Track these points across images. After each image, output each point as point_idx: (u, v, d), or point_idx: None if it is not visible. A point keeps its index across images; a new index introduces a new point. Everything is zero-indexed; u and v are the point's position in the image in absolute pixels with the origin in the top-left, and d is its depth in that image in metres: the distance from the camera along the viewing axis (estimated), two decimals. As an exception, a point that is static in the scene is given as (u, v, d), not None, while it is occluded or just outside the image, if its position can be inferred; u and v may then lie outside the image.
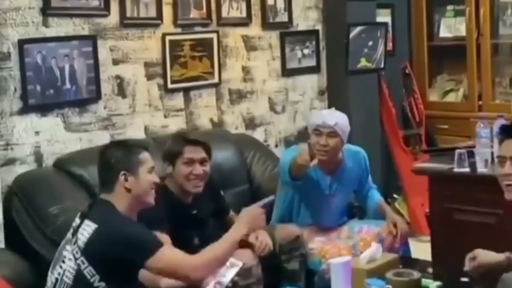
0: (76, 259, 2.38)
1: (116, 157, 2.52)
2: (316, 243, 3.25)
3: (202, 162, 3.00)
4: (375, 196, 3.57)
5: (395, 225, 3.31)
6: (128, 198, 2.49)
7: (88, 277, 2.36)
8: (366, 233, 3.29)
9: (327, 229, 3.38)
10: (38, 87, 3.34)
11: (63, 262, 2.42)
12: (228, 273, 2.69)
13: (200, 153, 3.00)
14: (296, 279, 3.06)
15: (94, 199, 2.68)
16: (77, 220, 2.48)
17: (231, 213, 3.27)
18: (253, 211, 2.69)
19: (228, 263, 2.67)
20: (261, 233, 2.99)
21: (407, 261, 3.14)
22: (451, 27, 5.35)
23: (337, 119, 3.28)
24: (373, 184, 3.60)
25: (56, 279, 2.43)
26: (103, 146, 2.74)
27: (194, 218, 3.03)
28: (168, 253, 2.46)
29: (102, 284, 2.36)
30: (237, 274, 2.71)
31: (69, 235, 2.47)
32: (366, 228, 3.34)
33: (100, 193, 2.56)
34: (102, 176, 2.56)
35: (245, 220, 2.65)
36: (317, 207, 3.41)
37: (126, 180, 2.48)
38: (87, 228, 2.40)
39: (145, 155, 2.56)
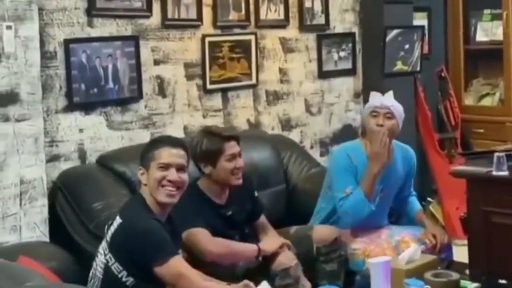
0: (105, 254, 2.45)
1: (142, 151, 2.61)
2: (359, 244, 3.26)
3: (239, 155, 3.05)
4: (416, 205, 3.57)
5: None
6: (147, 193, 2.54)
7: (116, 272, 2.41)
8: (407, 234, 3.29)
9: (366, 231, 3.40)
10: (83, 86, 3.42)
11: (97, 257, 2.50)
12: None
13: (237, 147, 3.04)
14: (335, 278, 3.08)
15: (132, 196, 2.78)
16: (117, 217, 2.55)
17: (262, 217, 3.25)
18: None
19: None
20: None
21: (445, 262, 3.15)
22: (487, 30, 5.33)
23: (393, 101, 3.36)
24: (413, 190, 3.61)
25: (92, 273, 2.50)
26: None
27: (229, 219, 3.06)
28: (178, 266, 2.43)
29: (130, 279, 2.40)
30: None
31: (105, 230, 2.55)
32: (406, 233, 3.33)
33: (131, 194, 2.69)
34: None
35: None
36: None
37: (142, 174, 2.57)
38: (115, 223, 2.46)
39: (161, 151, 2.54)
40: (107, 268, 2.43)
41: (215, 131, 3.07)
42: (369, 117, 3.34)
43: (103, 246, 2.49)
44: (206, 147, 3.01)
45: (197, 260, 2.81)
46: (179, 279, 2.41)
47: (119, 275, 2.41)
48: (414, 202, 3.58)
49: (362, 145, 3.38)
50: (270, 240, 3.08)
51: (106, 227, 2.55)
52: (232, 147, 3.02)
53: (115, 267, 2.42)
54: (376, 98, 3.38)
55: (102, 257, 2.46)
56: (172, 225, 2.63)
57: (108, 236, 2.47)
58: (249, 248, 2.98)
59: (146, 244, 2.39)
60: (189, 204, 2.87)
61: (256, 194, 3.26)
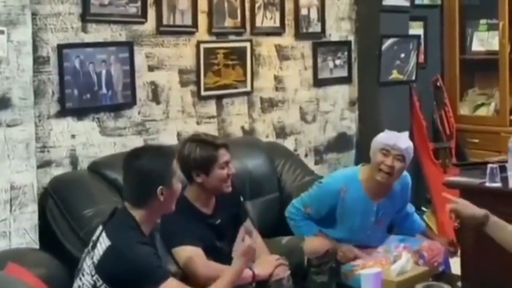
0: (92, 275, 2.38)
1: (154, 170, 2.40)
2: (357, 261, 3.25)
3: (230, 161, 3.04)
4: (418, 222, 3.62)
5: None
6: (157, 212, 2.45)
7: None
8: (404, 248, 3.27)
9: (363, 247, 3.38)
10: (76, 91, 3.40)
11: (83, 275, 2.42)
12: None
13: (228, 154, 3.02)
14: (326, 291, 3.07)
15: (115, 208, 2.57)
16: (99, 229, 2.46)
17: (248, 222, 3.22)
18: (243, 248, 2.70)
19: None
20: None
21: (437, 274, 3.14)
22: (483, 41, 5.34)
23: (408, 144, 3.27)
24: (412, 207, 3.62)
25: None
26: (131, 154, 2.56)
27: (218, 228, 3.04)
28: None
29: None
30: None
31: (89, 246, 2.46)
32: (403, 247, 3.30)
33: (123, 202, 2.49)
34: (134, 189, 2.45)
35: (241, 258, 2.66)
36: (358, 230, 3.37)
37: (162, 194, 2.41)
38: (102, 244, 2.38)
39: (175, 163, 2.50)
40: None
41: (206, 140, 3.02)
42: (379, 152, 3.25)
43: (89, 266, 2.40)
44: (200, 156, 2.97)
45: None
46: None
47: None
48: (417, 219, 3.61)
49: (360, 175, 3.35)
50: (264, 264, 3.00)
51: (92, 243, 2.45)
52: (224, 155, 3.00)
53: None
54: (390, 138, 3.26)
55: (89, 277, 2.39)
56: (154, 238, 2.59)
57: (96, 257, 2.38)
58: (243, 274, 2.89)
59: (137, 271, 2.34)
60: (180, 218, 2.86)
61: (241, 199, 3.25)
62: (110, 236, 2.38)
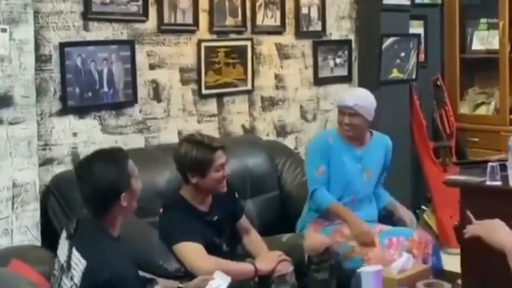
0: None
1: (111, 179, 2.32)
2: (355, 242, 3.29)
3: (226, 163, 3.06)
4: (385, 193, 3.70)
5: (421, 244, 3.34)
6: (122, 215, 2.39)
7: None
8: (395, 241, 3.31)
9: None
10: (77, 90, 3.41)
11: None
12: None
13: (224, 156, 3.04)
14: (326, 287, 3.08)
15: (78, 218, 2.44)
16: (65, 243, 2.36)
17: (243, 219, 3.25)
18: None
19: (216, 282, 2.52)
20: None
21: (437, 272, 3.15)
22: (483, 40, 5.35)
23: (357, 100, 3.48)
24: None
25: None
26: (82, 166, 2.45)
27: (215, 225, 3.05)
28: None
29: None
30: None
31: (62, 262, 2.35)
32: (396, 240, 3.34)
33: (83, 211, 2.40)
34: (94, 201, 2.35)
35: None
36: (349, 180, 3.50)
37: (124, 199, 2.34)
38: (79, 264, 2.28)
39: (130, 164, 2.40)
40: None
41: (203, 142, 3.01)
42: (338, 113, 3.56)
43: (70, 286, 2.30)
44: (196, 158, 2.97)
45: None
46: None
47: None
48: (383, 194, 3.69)
49: (338, 132, 3.57)
50: (266, 260, 3.02)
51: (63, 260, 2.34)
52: (220, 157, 3.01)
53: None
54: (340, 99, 3.57)
55: None
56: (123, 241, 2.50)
57: (76, 278, 2.26)
58: (245, 268, 2.94)
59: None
60: (178, 216, 2.87)
61: (236, 195, 3.26)
62: (83, 254, 2.29)
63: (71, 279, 2.29)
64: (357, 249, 3.27)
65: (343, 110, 3.49)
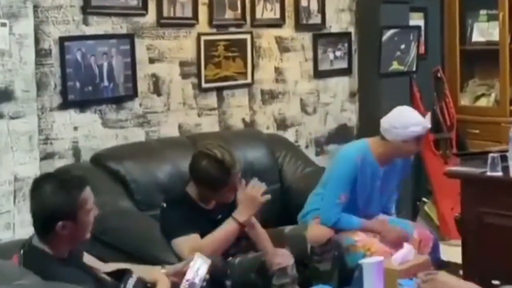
0: None
1: (54, 203, 2.21)
2: (360, 235, 3.30)
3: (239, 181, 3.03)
4: (393, 206, 3.64)
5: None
6: (67, 243, 2.28)
7: None
8: None
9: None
10: (78, 84, 3.41)
11: None
12: (199, 273, 2.48)
13: (239, 175, 3.01)
14: (328, 279, 3.08)
15: (24, 244, 2.35)
16: None
17: None
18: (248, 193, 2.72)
19: (196, 264, 2.48)
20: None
21: (438, 263, 3.16)
22: (484, 31, 5.34)
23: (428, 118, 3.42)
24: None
25: None
26: (34, 183, 2.34)
27: (219, 223, 3.02)
28: None
29: None
30: (208, 271, 2.54)
31: None
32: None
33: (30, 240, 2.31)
34: (36, 221, 2.27)
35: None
36: (369, 197, 3.44)
37: (64, 228, 2.22)
38: None
39: (85, 195, 2.27)
40: None
41: (224, 161, 2.94)
42: (413, 139, 3.31)
43: None
44: (213, 177, 2.94)
45: None
46: None
47: None
48: (393, 205, 3.66)
49: (371, 147, 3.39)
50: (240, 211, 2.93)
51: None
52: (236, 178, 2.98)
53: None
54: (419, 123, 3.32)
55: None
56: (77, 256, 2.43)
57: None
58: (229, 228, 2.90)
59: None
60: (180, 212, 2.88)
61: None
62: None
63: None
64: (360, 244, 3.27)
65: (424, 135, 3.43)
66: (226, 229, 2.91)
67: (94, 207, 2.34)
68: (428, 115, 3.51)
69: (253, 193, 2.95)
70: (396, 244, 3.22)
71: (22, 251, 2.30)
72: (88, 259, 2.49)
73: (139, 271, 2.47)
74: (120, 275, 2.42)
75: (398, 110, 3.38)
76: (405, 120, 3.30)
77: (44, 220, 2.24)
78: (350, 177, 3.33)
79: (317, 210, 3.45)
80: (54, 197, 2.23)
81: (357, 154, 3.36)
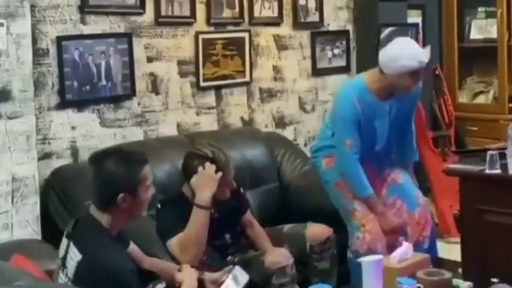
0: None
1: (116, 175, 2.30)
2: (361, 206, 3.27)
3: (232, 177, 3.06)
4: (413, 150, 3.56)
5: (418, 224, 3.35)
6: (124, 217, 2.36)
7: None
8: (396, 212, 3.33)
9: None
10: (75, 83, 3.41)
11: None
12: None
13: (233, 170, 3.04)
14: (327, 277, 3.08)
15: (79, 214, 2.46)
16: (64, 242, 2.35)
17: (248, 214, 3.24)
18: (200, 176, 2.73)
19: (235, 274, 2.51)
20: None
21: (437, 261, 3.16)
22: (482, 28, 5.34)
23: (428, 50, 3.16)
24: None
25: None
26: (97, 156, 2.48)
27: (217, 221, 3.04)
28: None
29: None
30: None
31: (59, 259, 2.35)
32: (399, 205, 3.36)
33: (88, 207, 2.38)
34: (97, 192, 2.35)
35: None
36: (380, 136, 3.33)
37: (124, 201, 2.30)
38: (74, 258, 2.27)
39: (145, 171, 2.36)
40: None
41: (216, 159, 2.97)
42: (406, 74, 3.12)
43: (65, 282, 2.29)
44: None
45: None
46: None
47: None
48: (413, 149, 3.57)
49: (367, 83, 3.23)
50: (199, 195, 2.93)
51: (61, 256, 2.33)
52: (230, 174, 3.01)
53: None
54: (415, 56, 3.10)
55: None
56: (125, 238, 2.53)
57: (70, 272, 2.26)
58: (195, 216, 2.88)
59: (111, 281, 2.23)
60: (175, 213, 2.88)
61: (242, 190, 3.25)
62: (80, 247, 2.28)
63: (66, 275, 2.30)
64: (358, 214, 3.24)
65: (420, 70, 3.12)
66: (195, 219, 2.88)
67: (152, 186, 2.41)
68: (428, 47, 3.18)
69: (205, 174, 2.93)
70: (387, 233, 3.23)
71: (74, 220, 2.36)
72: (133, 249, 2.58)
73: (169, 268, 2.57)
74: (148, 277, 2.48)
75: (396, 42, 3.20)
76: (400, 53, 3.08)
77: (106, 191, 2.31)
78: (351, 120, 3.17)
79: (328, 149, 3.36)
80: (117, 170, 2.30)
81: (354, 94, 3.19)
